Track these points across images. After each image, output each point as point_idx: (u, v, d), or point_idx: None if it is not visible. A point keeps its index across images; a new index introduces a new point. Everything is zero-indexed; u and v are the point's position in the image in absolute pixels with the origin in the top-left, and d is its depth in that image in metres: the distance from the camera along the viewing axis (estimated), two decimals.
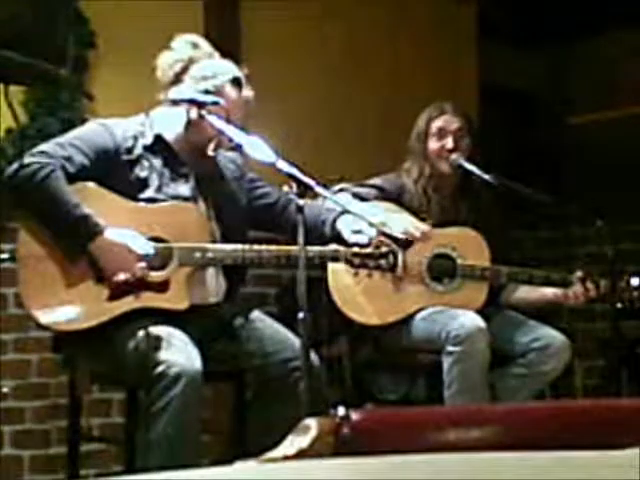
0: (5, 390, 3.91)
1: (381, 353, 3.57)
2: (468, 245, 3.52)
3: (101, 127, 2.99)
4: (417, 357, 3.53)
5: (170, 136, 3.05)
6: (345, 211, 3.12)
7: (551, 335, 3.46)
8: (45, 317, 2.85)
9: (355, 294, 3.41)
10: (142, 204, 2.95)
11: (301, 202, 2.65)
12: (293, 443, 1.48)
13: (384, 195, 3.55)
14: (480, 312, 3.41)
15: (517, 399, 3.39)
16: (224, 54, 3.13)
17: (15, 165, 2.83)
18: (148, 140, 3.01)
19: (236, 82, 3.06)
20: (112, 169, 2.93)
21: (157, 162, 3.01)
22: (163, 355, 2.73)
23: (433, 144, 3.59)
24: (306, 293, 2.59)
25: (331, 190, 3.41)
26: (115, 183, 2.93)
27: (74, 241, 2.85)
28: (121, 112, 3.14)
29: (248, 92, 3.09)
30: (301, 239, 2.62)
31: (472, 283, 3.50)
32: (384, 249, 3.03)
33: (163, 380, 2.71)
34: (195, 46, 3.06)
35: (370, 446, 1.49)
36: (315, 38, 4.93)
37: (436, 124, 3.59)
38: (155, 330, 2.78)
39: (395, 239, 2.96)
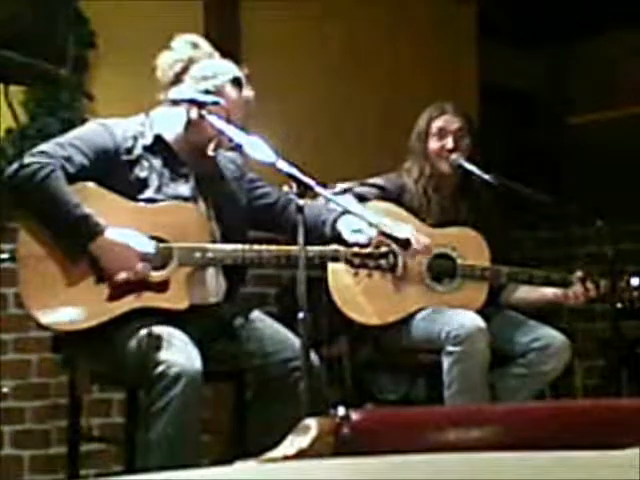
0: (5, 390, 3.91)
1: (381, 353, 3.57)
2: (468, 245, 3.53)
3: (101, 127, 2.99)
4: (417, 357, 3.53)
5: (170, 136, 3.05)
6: (345, 211, 3.12)
7: (551, 335, 3.46)
8: (45, 317, 2.85)
9: (355, 294, 3.41)
10: (142, 204, 2.95)
11: (301, 202, 2.65)
12: (293, 443, 1.48)
13: (385, 194, 3.55)
14: (480, 312, 3.41)
15: (517, 399, 3.40)
16: (224, 54, 3.13)
17: (15, 165, 2.83)
18: (148, 140, 3.01)
19: (236, 82, 3.06)
20: (112, 169, 2.93)
21: (157, 162, 3.01)
22: (163, 355, 2.73)
23: (433, 144, 3.59)
24: (306, 293, 2.58)
25: (335, 189, 3.41)
26: (115, 183, 2.93)
27: (75, 241, 2.85)
28: (121, 112, 3.14)
29: (248, 92, 3.09)
30: (301, 239, 2.62)
31: (472, 283, 3.50)
32: (384, 249, 3.03)
33: (163, 380, 2.71)
34: (195, 46, 3.06)
35: (370, 446, 1.49)
36: (315, 38, 4.93)
37: (436, 124, 3.60)
38: (155, 330, 2.78)
39: (395, 239, 2.95)
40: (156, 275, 2.91)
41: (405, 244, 2.98)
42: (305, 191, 2.66)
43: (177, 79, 3.03)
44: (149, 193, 2.97)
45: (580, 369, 5.17)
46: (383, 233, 2.97)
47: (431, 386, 3.54)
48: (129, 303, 2.88)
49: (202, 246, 2.96)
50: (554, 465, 1.36)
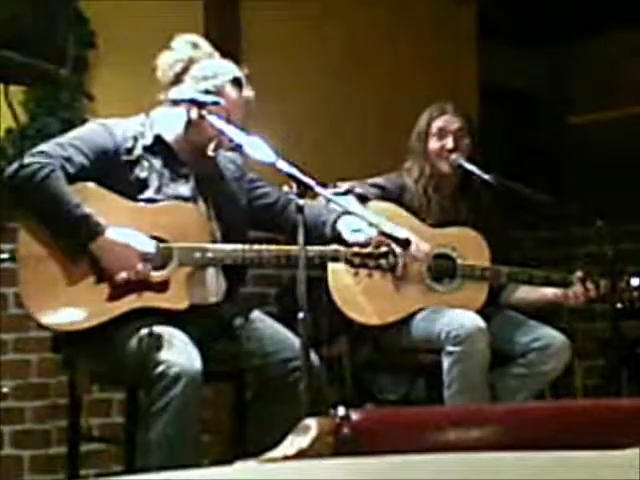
0: (5, 390, 3.91)
1: (381, 353, 3.57)
2: (468, 245, 3.53)
3: (101, 127, 2.99)
4: (417, 357, 3.53)
5: (170, 136, 3.05)
6: (345, 212, 3.12)
7: (551, 335, 3.46)
8: (45, 317, 2.85)
9: (355, 294, 3.41)
10: (142, 204, 2.95)
11: (301, 202, 2.65)
12: (293, 443, 1.48)
13: (385, 194, 3.55)
14: (480, 312, 3.41)
15: (517, 399, 3.40)
16: (224, 54, 3.13)
17: (15, 165, 2.83)
18: (148, 140, 3.01)
19: (236, 82, 3.06)
20: (112, 169, 2.93)
21: (157, 162, 3.01)
22: (163, 355, 2.73)
23: (433, 144, 3.59)
24: (306, 293, 2.59)
25: (337, 189, 3.42)
26: (115, 183, 2.92)
27: (75, 241, 2.85)
28: (121, 112, 3.14)
29: (248, 92, 3.09)
30: (301, 239, 2.62)
31: (472, 283, 3.50)
32: (384, 249, 3.03)
33: (163, 380, 2.71)
34: (195, 46, 3.06)
35: (370, 446, 1.49)
36: (315, 38, 4.93)
37: (437, 124, 3.60)
38: (155, 330, 2.78)
39: (395, 239, 2.95)
40: (156, 275, 2.90)
41: (405, 244, 2.98)
42: (305, 191, 2.66)
43: (177, 79, 3.03)
44: (149, 193, 2.97)
45: (580, 369, 5.17)
46: (383, 233, 2.97)
47: (431, 386, 3.54)
48: (129, 303, 2.88)
49: (202, 246, 2.96)
50: (554, 465, 1.36)
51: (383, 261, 3.03)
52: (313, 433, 1.48)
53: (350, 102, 4.98)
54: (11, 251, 3.06)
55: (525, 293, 3.63)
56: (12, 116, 2.78)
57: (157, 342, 2.75)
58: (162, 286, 2.91)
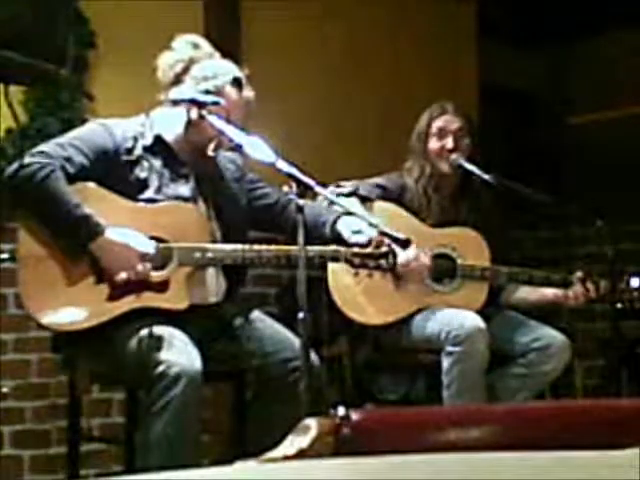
0: (5, 390, 3.91)
1: (381, 353, 3.57)
2: (468, 245, 3.53)
3: (101, 127, 2.99)
4: (417, 357, 3.53)
5: (170, 136, 3.05)
6: (345, 212, 3.12)
7: (551, 335, 3.46)
8: (45, 317, 2.85)
9: (355, 294, 3.41)
10: (142, 204, 2.95)
11: (301, 202, 2.65)
12: (293, 443, 1.48)
13: (386, 194, 3.55)
14: (480, 312, 3.41)
15: (517, 399, 3.40)
16: (224, 54, 3.13)
17: (15, 165, 2.83)
18: (148, 141, 3.01)
19: (237, 82, 3.06)
20: (112, 170, 2.93)
21: (157, 163, 3.01)
22: (163, 355, 2.73)
23: (433, 144, 3.59)
24: (306, 293, 2.58)
25: (341, 190, 3.42)
26: (115, 184, 2.92)
27: (75, 241, 2.85)
28: (121, 112, 3.14)
29: (249, 92, 3.09)
30: (301, 239, 2.62)
31: (472, 283, 3.50)
32: (384, 249, 3.02)
33: (163, 380, 2.71)
34: (196, 46, 3.06)
35: (370, 446, 1.49)
36: (315, 38, 4.93)
37: (437, 124, 3.60)
38: (155, 330, 2.78)
39: (395, 239, 2.95)
40: (156, 275, 2.90)
41: (405, 244, 2.98)
42: (305, 191, 2.66)
43: (178, 79, 3.03)
44: (149, 193, 2.96)
45: (580, 369, 5.17)
46: (383, 233, 2.97)
47: (431, 386, 3.54)
48: (129, 303, 2.88)
49: (202, 246, 2.96)
50: (554, 465, 1.36)
51: (383, 261, 3.02)
52: (313, 433, 1.48)
53: (350, 102, 4.98)
54: (11, 251, 3.06)
55: (525, 293, 3.63)
56: (12, 116, 2.77)
57: (157, 342, 2.75)
58: (162, 286, 2.91)
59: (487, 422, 1.59)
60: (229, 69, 3.07)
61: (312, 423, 1.50)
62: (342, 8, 4.96)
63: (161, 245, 2.93)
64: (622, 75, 5.71)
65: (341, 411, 1.54)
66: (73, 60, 4.07)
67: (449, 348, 3.32)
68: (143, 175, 2.97)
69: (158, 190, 2.98)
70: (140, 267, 2.86)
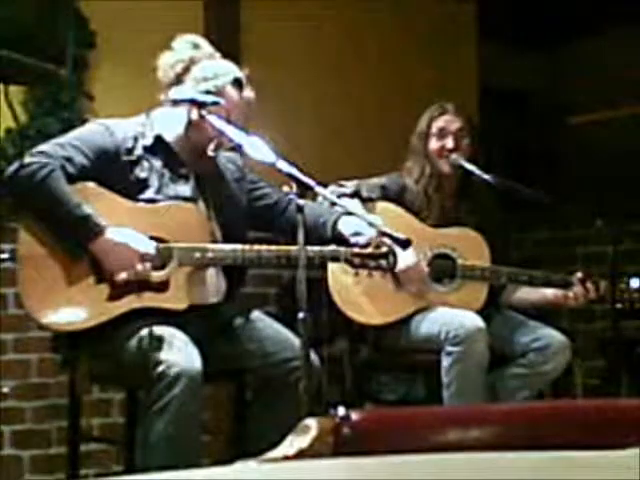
0: (5, 390, 3.91)
1: (381, 353, 3.57)
2: (468, 245, 3.53)
3: (101, 127, 2.99)
4: (417, 357, 3.53)
5: (170, 137, 3.05)
6: (346, 212, 3.12)
7: (551, 335, 3.46)
8: (45, 317, 2.85)
9: (355, 294, 3.41)
10: (142, 204, 2.95)
11: (301, 202, 2.65)
12: (293, 443, 1.47)
13: (386, 194, 3.55)
14: (480, 312, 3.42)
15: (517, 399, 3.40)
16: (224, 54, 3.13)
17: (15, 165, 2.83)
18: (148, 141, 3.01)
19: (237, 83, 3.06)
20: (112, 170, 2.93)
21: (157, 163, 3.01)
22: (163, 355, 2.73)
23: (434, 144, 3.59)
24: (306, 293, 2.59)
25: (344, 189, 3.42)
26: (115, 184, 2.92)
27: (75, 241, 2.85)
28: (121, 112, 3.14)
29: (249, 93, 3.09)
30: (301, 239, 2.62)
31: (472, 283, 3.50)
32: (384, 249, 3.02)
33: (163, 380, 2.71)
34: (196, 46, 3.06)
35: (370, 446, 1.49)
36: (315, 38, 4.93)
37: (437, 124, 3.60)
38: (155, 330, 2.78)
39: (395, 239, 2.95)
40: (156, 275, 2.90)
41: (405, 244, 2.98)
42: (305, 191, 2.66)
43: (178, 79, 3.03)
44: (149, 193, 2.96)
45: (580, 369, 5.17)
46: (383, 233, 2.97)
47: (430, 386, 3.54)
48: (129, 303, 2.88)
49: (202, 246, 2.96)
50: (554, 465, 1.36)
51: (383, 261, 3.03)
52: (313, 433, 1.48)
53: (350, 102, 4.98)
54: (11, 251, 3.05)
55: (525, 294, 3.63)
56: (12, 116, 2.78)
57: (157, 342, 2.75)
58: (162, 286, 2.91)
59: (487, 422, 1.59)
60: (229, 69, 3.07)
61: (312, 423, 1.50)
62: (342, 8, 4.96)
63: (161, 245, 2.93)
64: (622, 75, 5.71)
65: (341, 411, 1.53)
66: (73, 60, 4.07)
67: (449, 348, 3.32)
68: (143, 175, 2.97)
69: (158, 190, 2.98)
70: (140, 267, 2.86)
